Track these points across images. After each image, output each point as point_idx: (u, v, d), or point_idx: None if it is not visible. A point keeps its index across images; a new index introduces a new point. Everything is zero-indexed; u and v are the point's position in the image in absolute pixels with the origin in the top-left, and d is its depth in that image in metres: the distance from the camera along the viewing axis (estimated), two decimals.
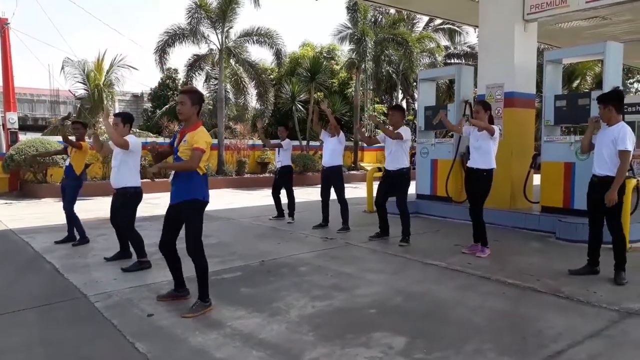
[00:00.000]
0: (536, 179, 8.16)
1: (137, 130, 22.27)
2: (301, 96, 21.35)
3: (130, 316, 3.93)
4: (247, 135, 18.43)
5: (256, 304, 4.16)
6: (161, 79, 29.48)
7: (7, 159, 13.34)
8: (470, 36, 31.48)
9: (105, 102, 14.99)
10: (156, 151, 4.38)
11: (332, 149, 7.61)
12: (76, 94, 24.83)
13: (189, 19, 16.97)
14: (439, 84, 21.36)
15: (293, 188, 8.83)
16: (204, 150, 3.92)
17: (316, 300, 4.27)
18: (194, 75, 19.12)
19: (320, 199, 7.96)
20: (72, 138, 6.74)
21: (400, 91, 26.47)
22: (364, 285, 4.70)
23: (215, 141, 17.55)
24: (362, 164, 21.74)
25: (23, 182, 14.11)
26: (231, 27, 17.82)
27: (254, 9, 20.43)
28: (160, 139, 17.44)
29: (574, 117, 7.30)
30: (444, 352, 3.21)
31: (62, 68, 22.02)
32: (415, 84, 28.36)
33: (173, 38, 17.74)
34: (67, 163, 6.78)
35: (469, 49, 29.92)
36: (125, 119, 5.56)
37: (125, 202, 5.46)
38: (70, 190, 6.65)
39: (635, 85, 34.33)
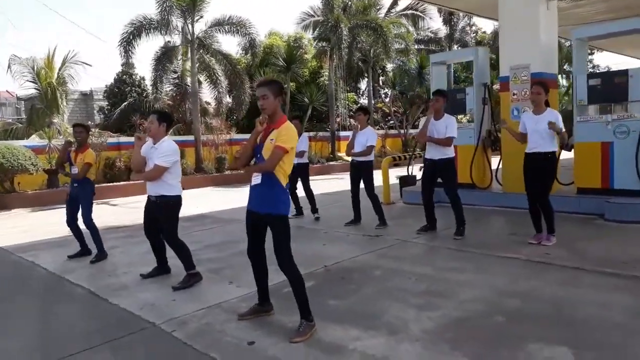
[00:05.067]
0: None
1: (97, 130, 20.82)
2: None
3: (227, 346, 3.32)
4: (225, 130, 17.55)
5: (361, 319, 3.64)
6: (117, 75, 27.76)
7: None
8: (434, 22, 31.59)
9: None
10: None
11: (362, 144, 7.08)
12: (17, 95, 22.84)
13: (159, 8, 15.87)
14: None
15: (308, 183, 8.32)
16: (286, 150, 3.38)
17: (424, 310, 3.79)
18: (162, 68, 17.97)
19: (348, 193, 7.47)
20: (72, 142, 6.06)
21: (367, 78, 26.11)
22: (459, 289, 4.25)
23: (192, 138, 16.67)
24: (339, 154, 21.29)
25: None
26: (201, 17, 16.89)
27: None
28: (124, 139, 16.30)
29: (610, 95, 7.13)
30: None
31: (9, 66, 20.34)
32: (380, 71, 28.16)
33: (139, 29, 16.58)
34: (74, 170, 5.97)
35: (432, 35, 30.02)
36: (161, 116, 4.83)
37: (168, 212, 4.77)
38: (87, 196, 5.87)
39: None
